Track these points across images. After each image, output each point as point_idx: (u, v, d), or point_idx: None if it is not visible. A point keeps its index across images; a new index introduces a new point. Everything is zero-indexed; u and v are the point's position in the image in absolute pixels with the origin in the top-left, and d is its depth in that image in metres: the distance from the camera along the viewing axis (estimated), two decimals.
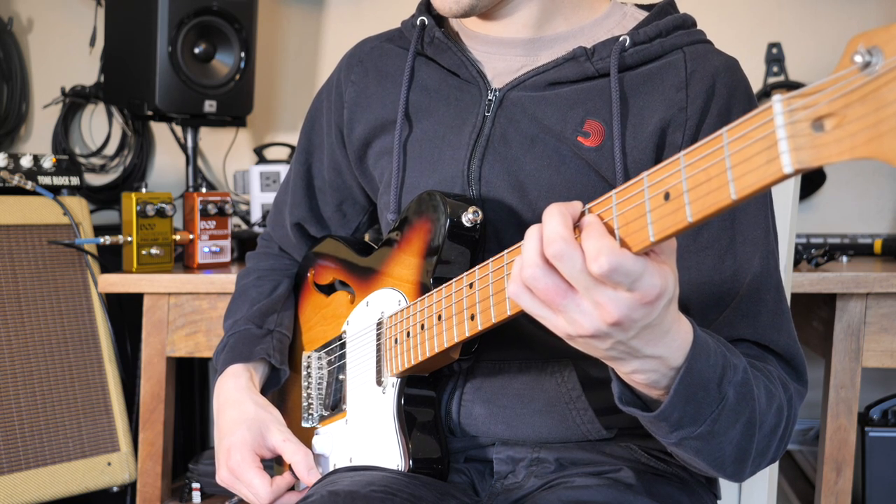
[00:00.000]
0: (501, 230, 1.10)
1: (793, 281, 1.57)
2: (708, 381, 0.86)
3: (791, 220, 1.38)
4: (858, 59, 0.59)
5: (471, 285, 0.94)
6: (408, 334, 1.05)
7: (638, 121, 1.07)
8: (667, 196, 0.71)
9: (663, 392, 0.87)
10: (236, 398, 1.21)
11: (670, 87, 1.07)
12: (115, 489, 2.05)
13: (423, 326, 1.03)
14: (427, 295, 1.03)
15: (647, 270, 0.74)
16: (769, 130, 0.64)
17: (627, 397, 0.90)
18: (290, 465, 1.17)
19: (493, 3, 1.11)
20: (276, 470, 1.35)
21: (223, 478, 1.18)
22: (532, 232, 0.79)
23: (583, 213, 0.78)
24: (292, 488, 1.17)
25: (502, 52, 1.16)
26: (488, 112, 1.13)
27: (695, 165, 0.69)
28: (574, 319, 0.78)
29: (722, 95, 1.06)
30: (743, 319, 1.03)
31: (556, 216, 0.77)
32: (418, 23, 1.20)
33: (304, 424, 1.26)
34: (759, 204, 1.06)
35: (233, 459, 1.15)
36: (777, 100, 0.63)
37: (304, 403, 1.27)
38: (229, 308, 1.35)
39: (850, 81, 0.60)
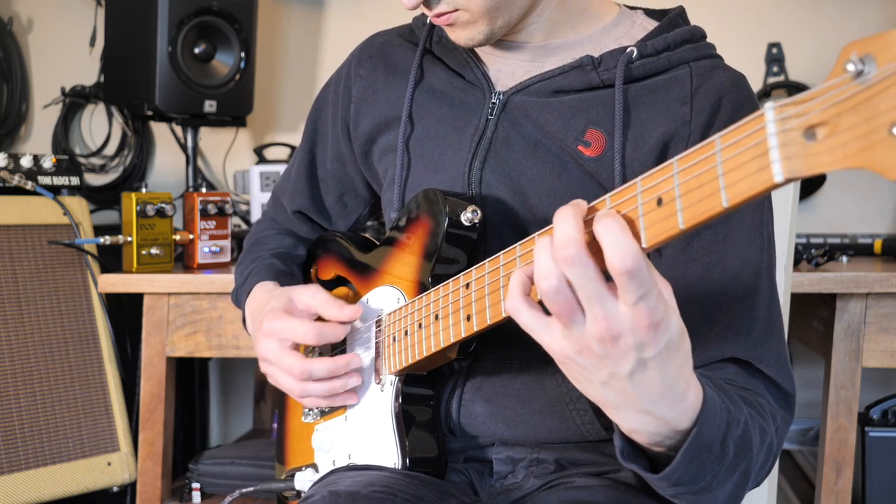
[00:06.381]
0: (503, 233, 1.10)
1: (793, 281, 1.57)
2: (713, 440, 0.83)
3: (791, 220, 1.38)
4: (851, 67, 0.58)
5: (467, 286, 0.94)
6: (405, 332, 1.05)
7: (640, 133, 1.07)
8: (659, 201, 0.70)
9: (667, 450, 0.84)
10: (268, 294, 1.21)
11: (674, 100, 1.06)
12: (115, 489, 2.05)
13: (420, 325, 1.03)
14: (425, 294, 1.03)
15: (653, 292, 0.71)
16: (761, 138, 0.63)
17: (629, 451, 0.86)
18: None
19: (505, 31, 1.10)
20: (277, 469, 1.35)
21: (267, 327, 1.13)
22: (543, 243, 0.74)
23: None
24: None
25: (508, 55, 1.16)
26: (491, 115, 1.13)
27: (687, 171, 0.68)
28: (570, 333, 0.75)
29: (727, 111, 1.05)
30: (734, 337, 1.01)
31: (569, 218, 0.73)
32: (428, 21, 1.20)
33: (305, 420, 1.26)
34: (754, 219, 1.04)
35: (266, 318, 1.13)
36: (769, 107, 0.62)
37: None
38: (246, 254, 1.37)
39: (843, 90, 0.59)
